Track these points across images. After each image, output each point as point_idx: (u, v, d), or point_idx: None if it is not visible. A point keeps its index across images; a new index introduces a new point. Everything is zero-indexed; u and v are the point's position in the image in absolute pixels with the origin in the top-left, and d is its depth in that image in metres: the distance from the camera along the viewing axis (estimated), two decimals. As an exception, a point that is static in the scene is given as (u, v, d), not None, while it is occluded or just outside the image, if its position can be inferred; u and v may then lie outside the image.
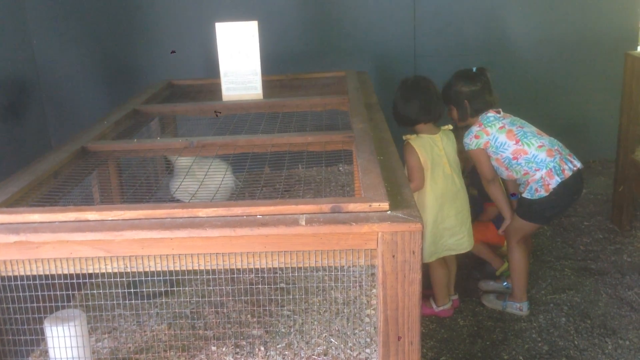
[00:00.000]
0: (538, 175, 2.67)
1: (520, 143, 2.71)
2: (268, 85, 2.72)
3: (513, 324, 2.82)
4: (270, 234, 1.34)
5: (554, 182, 2.65)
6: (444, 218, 2.74)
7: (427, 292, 2.90)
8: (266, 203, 1.41)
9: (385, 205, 1.49)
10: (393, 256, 1.46)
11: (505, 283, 3.04)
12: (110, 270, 1.34)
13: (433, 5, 4.36)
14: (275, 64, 3.71)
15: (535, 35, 4.44)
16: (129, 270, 1.32)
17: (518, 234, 2.82)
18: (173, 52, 4.15)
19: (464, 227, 2.79)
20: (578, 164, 2.73)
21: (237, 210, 1.37)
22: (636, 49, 4.21)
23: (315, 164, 3.08)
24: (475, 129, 2.78)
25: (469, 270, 3.24)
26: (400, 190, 1.64)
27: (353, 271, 2.03)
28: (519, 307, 2.87)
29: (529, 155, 2.69)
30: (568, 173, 2.67)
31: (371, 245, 1.46)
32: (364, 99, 2.61)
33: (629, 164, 3.43)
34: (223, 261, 1.37)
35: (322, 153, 2.08)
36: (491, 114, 2.79)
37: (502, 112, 2.82)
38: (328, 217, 1.42)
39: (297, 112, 2.54)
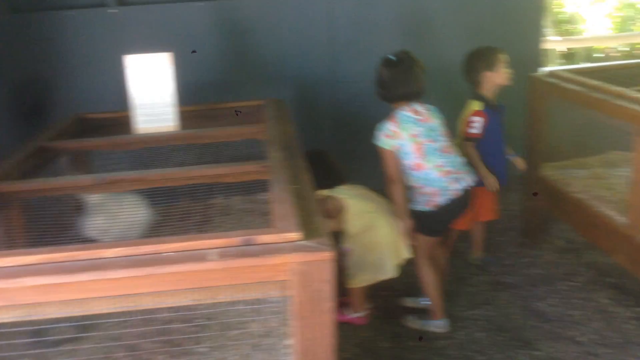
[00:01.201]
0: (426, 190, 2.77)
1: (422, 157, 2.74)
2: (185, 116, 2.70)
3: (434, 342, 2.88)
4: (179, 272, 1.33)
5: (441, 200, 2.76)
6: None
7: (344, 299, 3.01)
8: (175, 239, 1.40)
9: (296, 235, 1.50)
10: (306, 286, 1.47)
11: (422, 299, 3.09)
12: (11, 320, 1.28)
13: (350, 32, 4.45)
14: (193, 94, 3.68)
15: (452, 61, 4.60)
16: (31, 318, 1.27)
17: (423, 250, 2.89)
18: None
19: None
20: (471, 182, 2.83)
21: (145, 249, 1.35)
22: (539, 71, 4.44)
23: (236, 193, 3.08)
24: (389, 126, 2.76)
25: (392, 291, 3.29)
26: (313, 218, 1.66)
27: (272, 302, 2.03)
28: (438, 325, 2.94)
29: (426, 170, 2.74)
30: (456, 192, 2.76)
31: (284, 277, 1.47)
32: (281, 127, 2.63)
33: (537, 180, 3.59)
34: (132, 302, 1.34)
35: (243, 182, 2.08)
36: (409, 112, 2.78)
37: (421, 114, 2.80)
38: (239, 251, 1.42)
39: (214, 143, 2.53)
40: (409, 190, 2.85)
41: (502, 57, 3.33)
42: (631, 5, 8.98)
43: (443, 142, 2.82)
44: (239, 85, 4.30)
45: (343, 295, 3.20)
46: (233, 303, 2.03)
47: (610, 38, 8.24)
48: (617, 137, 3.57)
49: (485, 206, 3.44)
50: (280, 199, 1.73)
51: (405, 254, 2.90)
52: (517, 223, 4.01)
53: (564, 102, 3.30)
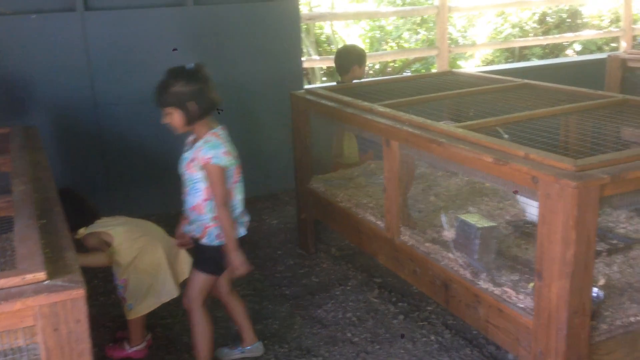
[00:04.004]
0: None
1: (235, 185, 2.53)
2: None
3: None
4: None
5: (238, 232, 2.55)
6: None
7: (122, 334, 2.92)
8: None
9: (41, 276, 1.36)
10: (55, 329, 1.34)
11: (239, 349, 2.89)
12: None
13: (107, 56, 4.28)
14: None
15: (214, 78, 4.62)
16: None
17: (201, 292, 2.59)
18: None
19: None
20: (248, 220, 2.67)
21: None
22: (302, 89, 4.67)
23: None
24: (222, 144, 2.47)
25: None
26: (63, 254, 1.52)
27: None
28: (255, 349, 2.88)
29: (234, 202, 2.53)
30: (247, 224, 2.63)
31: (29, 322, 1.32)
32: (29, 157, 2.41)
33: (307, 193, 3.75)
34: None
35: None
36: (226, 132, 2.55)
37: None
38: (-30, 301, 1.25)
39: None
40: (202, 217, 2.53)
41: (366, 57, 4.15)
42: (380, 27, 9.93)
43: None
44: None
45: (120, 330, 3.04)
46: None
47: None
48: (374, 148, 3.90)
49: None
50: (24, 237, 1.56)
51: (186, 273, 2.84)
52: (293, 235, 4.15)
53: (323, 118, 3.50)
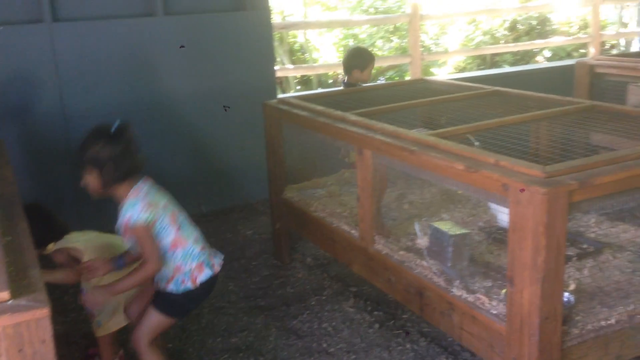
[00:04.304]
0: (188, 267, 2.41)
1: (180, 231, 2.42)
2: None
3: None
4: None
5: (204, 275, 2.44)
6: None
7: (93, 350, 2.87)
8: None
9: (4, 295, 1.33)
10: (20, 350, 1.30)
11: None
12: None
13: (76, 67, 4.23)
14: None
15: (186, 89, 4.61)
16: None
17: (154, 332, 2.48)
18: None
19: None
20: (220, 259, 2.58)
21: None
22: (275, 98, 4.66)
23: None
24: (141, 200, 2.35)
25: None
26: (28, 272, 1.49)
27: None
28: None
29: (187, 248, 2.42)
30: (218, 268, 2.51)
31: (-8, 344, 1.28)
32: (-5, 172, 2.36)
33: (281, 203, 3.74)
34: None
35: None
36: (150, 182, 2.45)
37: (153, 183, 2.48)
38: None
39: None
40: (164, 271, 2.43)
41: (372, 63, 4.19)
42: (354, 36, 9.98)
43: (185, 213, 2.54)
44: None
45: (92, 346, 2.98)
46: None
47: (338, 65, 9.04)
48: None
49: None
50: (-14, 255, 1.52)
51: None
52: (268, 245, 4.13)
53: (297, 127, 3.49)
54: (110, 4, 4.39)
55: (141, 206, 2.32)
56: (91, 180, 2.37)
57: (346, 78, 4.21)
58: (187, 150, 4.70)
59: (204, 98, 4.67)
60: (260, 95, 4.50)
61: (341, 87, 4.28)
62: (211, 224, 4.61)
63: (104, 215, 4.42)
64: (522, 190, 1.96)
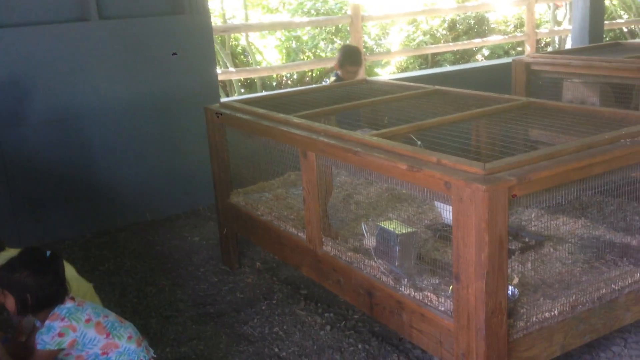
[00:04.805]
0: None
1: (110, 336, 2.43)
2: None
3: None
4: None
5: None
6: None
7: None
8: None
9: None
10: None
11: None
12: None
13: (9, 74, 4.08)
14: None
15: (126, 94, 4.51)
16: None
17: None
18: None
19: None
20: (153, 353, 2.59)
21: None
22: (218, 102, 4.60)
23: None
24: (58, 324, 2.34)
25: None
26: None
27: None
28: None
29: (120, 349, 2.43)
30: None
31: None
32: None
33: (227, 208, 3.69)
34: None
35: None
36: (70, 304, 2.41)
37: (75, 299, 2.45)
38: None
39: None
40: None
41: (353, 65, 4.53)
42: (296, 38, 9.98)
43: (113, 313, 2.54)
44: None
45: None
46: None
47: (281, 67, 9.03)
48: (293, 159, 3.89)
49: None
50: None
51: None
52: (216, 251, 4.08)
53: (241, 131, 3.45)
54: (43, 10, 4.24)
55: (56, 332, 2.32)
56: (8, 302, 2.36)
57: (340, 72, 4.57)
58: (129, 157, 4.59)
59: (145, 103, 4.58)
60: (203, 99, 4.44)
61: (333, 78, 4.66)
62: (157, 232, 4.52)
63: (43, 226, 4.31)
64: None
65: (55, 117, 4.25)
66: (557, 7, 11.08)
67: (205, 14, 4.76)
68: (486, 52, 10.94)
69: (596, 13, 6.53)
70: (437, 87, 3.59)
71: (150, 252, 4.20)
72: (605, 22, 7.93)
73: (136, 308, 3.46)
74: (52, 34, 4.21)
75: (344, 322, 3.17)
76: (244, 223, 3.58)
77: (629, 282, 2.42)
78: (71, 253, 4.20)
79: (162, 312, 3.39)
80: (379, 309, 2.57)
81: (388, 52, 10.56)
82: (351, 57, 4.61)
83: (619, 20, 11.41)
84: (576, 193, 2.24)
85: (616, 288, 2.38)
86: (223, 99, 4.95)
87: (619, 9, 12.22)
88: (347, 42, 4.84)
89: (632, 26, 11.28)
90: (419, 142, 2.63)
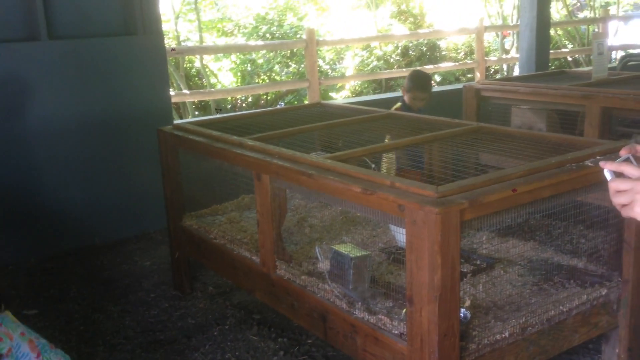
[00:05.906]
0: None
1: (41, 357, 2.40)
2: None
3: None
4: None
5: None
6: None
7: None
8: None
9: None
10: None
11: None
12: None
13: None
14: None
15: (75, 115, 4.41)
16: None
17: None
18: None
19: None
20: None
21: None
22: (171, 124, 4.55)
23: None
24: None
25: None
26: None
27: None
28: None
29: None
30: None
31: None
32: None
33: (180, 231, 3.63)
34: None
35: None
36: (9, 316, 2.38)
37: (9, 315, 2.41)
38: None
39: None
40: None
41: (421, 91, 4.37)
42: (251, 61, 9.99)
43: (44, 339, 2.48)
44: None
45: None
46: None
47: (236, 90, 9.02)
48: (247, 182, 3.86)
49: None
50: None
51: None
52: (168, 276, 3.99)
53: (194, 153, 3.41)
54: (-11, 28, 4.14)
55: None
56: None
57: (406, 98, 4.41)
58: (78, 180, 4.48)
59: (96, 124, 4.49)
60: (156, 121, 4.38)
61: (398, 104, 4.48)
62: (106, 256, 4.40)
63: None
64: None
65: (1, 139, 4.12)
66: (504, 36, 11.44)
67: (158, 35, 4.72)
68: (438, 78, 11.18)
69: (542, 42, 6.77)
70: (390, 111, 3.63)
71: (98, 278, 4.08)
72: (551, 51, 8.23)
73: (82, 336, 3.34)
74: (1, 54, 4.10)
75: (297, 347, 3.13)
76: (196, 247, 3.52)
77: (576, 303, 2.46)
78: (14, 279, 4.05)
79: (110, 340, 3.28)
80: (332, 333, 2.55)
81: (342, 76, 10.68)
82: (421, 83, 4.41)
83: (563, 50, 11.86)
84: (525, 216, 2.28)
85: (564, 310, 2.43)
86: (176, 121, 4.90)
87: (563, 39, 12.71)
88: (413, 69, 4.73)
89: (576, 55, 11.72)
90: (372, 165, 2.64)
